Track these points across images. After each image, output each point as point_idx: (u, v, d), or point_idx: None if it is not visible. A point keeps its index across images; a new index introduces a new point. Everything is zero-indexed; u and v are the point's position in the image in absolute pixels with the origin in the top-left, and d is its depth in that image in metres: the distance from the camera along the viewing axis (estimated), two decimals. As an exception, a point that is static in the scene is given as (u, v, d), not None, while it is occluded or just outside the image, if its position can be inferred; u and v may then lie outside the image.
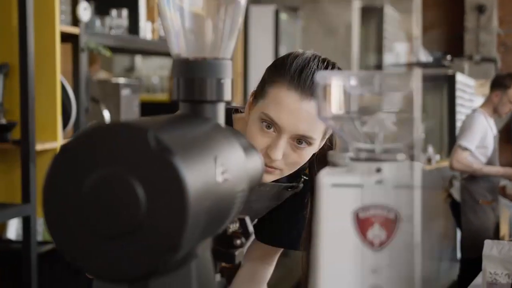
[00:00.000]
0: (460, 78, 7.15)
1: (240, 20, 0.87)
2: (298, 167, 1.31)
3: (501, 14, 9.81)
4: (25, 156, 2.38)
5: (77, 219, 0.65)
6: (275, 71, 1.29)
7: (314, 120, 1.25)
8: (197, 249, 0.73)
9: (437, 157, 6.30)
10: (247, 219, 0.94)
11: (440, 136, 7.40)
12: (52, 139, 2.56)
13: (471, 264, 4.44)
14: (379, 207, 0.70)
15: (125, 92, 3.08)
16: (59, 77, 2.56)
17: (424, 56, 5.69)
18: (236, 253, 0.88)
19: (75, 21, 2.73)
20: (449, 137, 7.37)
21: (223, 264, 1.00)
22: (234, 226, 0.93)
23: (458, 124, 7.40)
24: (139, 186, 0.63)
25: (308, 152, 1.29)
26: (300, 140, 1.27)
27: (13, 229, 2.77)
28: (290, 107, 1.24)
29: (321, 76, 0.74)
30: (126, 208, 0.63)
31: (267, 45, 5.04)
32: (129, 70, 5.88)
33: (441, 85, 7.02)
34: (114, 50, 3.26)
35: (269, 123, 1.26)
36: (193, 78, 0.83)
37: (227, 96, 0.85)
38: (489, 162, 4.46)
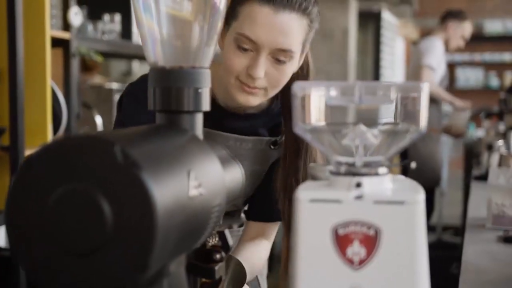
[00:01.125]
0: (385, 16, 7.22)
1: (219, 27, 0.84)
2: (281, 86, 1.28)
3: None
4: (14, 163, 2.35)
5: (41, 234, 0.62)
6: None
7: (292, 32, 1.22)
8: (169, 266, 0.70)
9: None
10: (227, 232, 0.91)
11: (365, 73, 7.46)
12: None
13: None
14: (359, 224, 0.68)
15: (118, 98, 3.04)
16: (49, 82, 2.53)
17: None
18: (216, 268, 0.85)
19: (67, 26, 2.70)
20: (373, 75, 7.46)
21: (203, 279, 0.97)
22: (213, 240, 0.90)
23: (382, 63, 7.52)
24: (106, 202, 0.60)
25: (289, 68, 1.26)
26: (279, 57, 1.23)
27: (2, 235, 2.73)
28: (265, 22, 1.21)
29: (299, 86, 0.71)
30: (91, 225, 0.60)
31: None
32: (126, 75, 5.86)
33: (367, 22, 7.10)
34: (107, 55, 3.23)
35: (246, 43, 1.23)
36: (170, 88, 0.80)
37: (205, 106, 0.82)
38: (440, 84, 4.56)
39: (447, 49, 4.60)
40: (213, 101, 1.36)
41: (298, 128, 0.72)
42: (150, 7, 0.81)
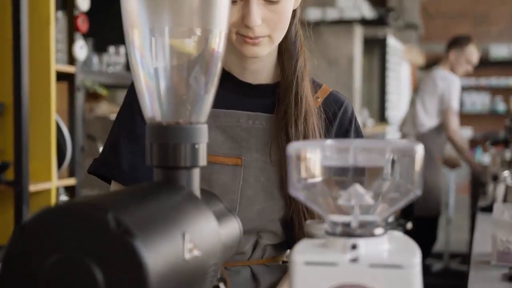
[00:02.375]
0: (391, 41, 7.25)
1: (216, 82, 0.85)
2: (284, 27, 1.20)
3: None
4: (19, 198, 2.35)
5: (35, 302, 0.62)
6: None
7: None
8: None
9: (371, 121, 6.31)
10: (222, 286, 0.90)
11: (371, 100, 7.45)
12: (47, 180, 2.53)
13: (421, 222, 4.45)
14: (355, 287, 0.67)
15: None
16: (54, 116, 2.54)
17: (368, 12, 5.68)
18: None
19: (72, 60, 2.72)
20: (379, 101, 7.45)
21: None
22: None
23: (389, 89, 7.52)
24: (98, 270, 0.60)
25: (285, 6, 1.18)
26: None
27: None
28: None
29: (293, 147, 0.71)
30: (85, 293, 0.60)
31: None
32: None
33: (372, 47, 7.13)
34: (112, 86, 3.25)
35: None
36: (167, 144, 0.80)
37: (202, 161, 0.82)
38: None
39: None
40: (228, 74, 1.30)
41: (293, 188, 0.71)
42: (148, 62, 0.82)
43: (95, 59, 3.00)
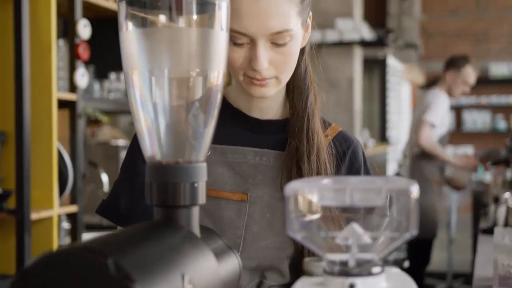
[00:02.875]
0: (390, 61, 7.28)
1: (213, 122, 0.86)
2: (291, 68, 1.19)
3: (424, 0, 10.06)
4: (20, 226, 2.36)
5: None
6: None
7: (281, 11, 1.12)
8: None
9: (372, 142, 6.32)
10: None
11: (371, 120, 7.46)
12: (48, 207, 2.54)
13: (416, 245, 4.43)
14: (353, 327, 0.68)
15: (124, 154, 3.07)
16: (55, 144, 2.56)
17: (367, 33, 5.70)
18: None
19: (73, 87, 2.74)
20: (380, 121, 7.46)
21: None
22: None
23: (389, 108, 7.54)
24: (99, 315, 0.61)
25: (293, 47, 1.17)
26: (278, 41, 1.14)
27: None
28: (249, 10, 1.11)
29: (291, 187, 0.72)
30: (85, 338, 0.60)
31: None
32: (133, 125, 5.90)
33: (372, 68, 7.15)
34: (113, 112, 3.27)
35: (238, 38, 1.14)
36: (167, 183, 0.81)
37: (202, 199, 0.83)
38: (440, 141, 4.55)
39: (452, 96, 4.64)
40: (236, 110, 1.30)
41: (290, 228, 0.72)
42: (147, 103, 0.83)
43: (96, 85, 3.02)
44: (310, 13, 1.24)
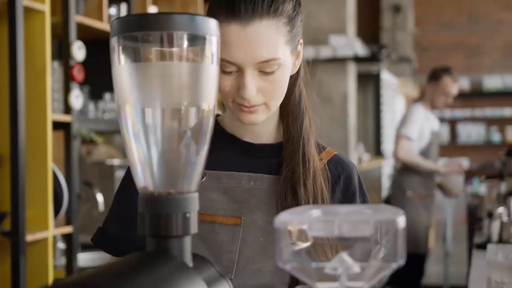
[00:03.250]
0: (384, 76, 7.32)
1: (205, 152, 0.87)
2: (280, 95, 1.20)
3: (417, 14, 10.13)
4: (16, 248, 2.36)
5: None
6: (210, 10, 1.19)
7: (269, 40, 1.14)
8: None
9: (367, 156, 6.33)
10: None
11: (366, 134, 7.48)
12: (44, 229, 2.55)
13: (408, 260, 4.36)
14: None
15: (120, 174, 3.08)
16: (50, 166, 2.57)
17: (360, 49, 5.73)
18: None
19: (68, 109, 2.75)
20: (375, 135, 7.48)
21: None
22: None
23: (383, 123, 7.56)
24: None
25: (282, 75, 1.18)
26: (266, 70, 1.15)
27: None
28: (237, 40, 1.13)
29: (280, 219, 0.74)
30: None
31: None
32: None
33: (366, 83, 7.19)
34: (108, 132, 3.29)
35: (227, 66, 1.15)
36: (159, 214, 0.83)
37: (194, 229, 0.85)
38: (425, 154, 4.53)
39: (435, 108, 4.64)
40: (231, 136, 1.31)
41: (279, 260, 0.74)
42: (139, 135, 0.84)
43: (91, 106, 3.04)
44: (301, 41, 1.25)
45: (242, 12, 1.13)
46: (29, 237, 2.46)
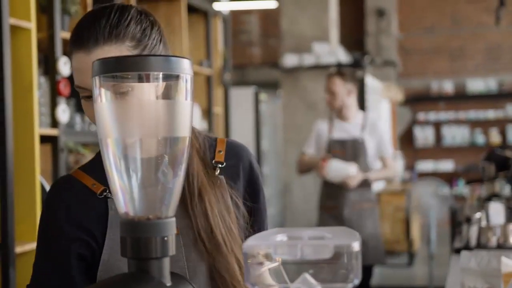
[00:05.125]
0: (369, 81, 7.41)
1: (181, 180, 0.95)
2: None
3: (400, 18, 10.26)
4: (5, 261, 2.42)
5: None
6: (68, 47, 1.24)
7: None
8: None
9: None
10: None
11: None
12: (32, 240, 2.61)
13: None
14: None
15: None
16: (38, 178, 2.63)
17: (343, 56, 5.76)
18: None
19: (55, 123, 2.82)
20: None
21: None
22: None
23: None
24: None
25: (140, 96, 1.19)
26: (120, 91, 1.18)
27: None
28: (84, 66, 1.19)
29: (247, 245, 0.81)
30: None
31: (248, 125, 5.17)
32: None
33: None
34: (95, 144, 3.35)
35: (83, 92, 1.22)
36: (139, 237, 0.90)
37: (172, 251, 0.92)
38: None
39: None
40: None
41: (247, 281, 0.81)
42: (120, 165, 0.92)
43: (78, 118, 3.10)
44: None
45: (85, 41, 1.19)
46: (18, 249, 2.52)
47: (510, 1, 5.96)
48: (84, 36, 1.20)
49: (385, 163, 4.22)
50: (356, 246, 0.79)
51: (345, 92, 4.09)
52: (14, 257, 2.47)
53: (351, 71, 4.32)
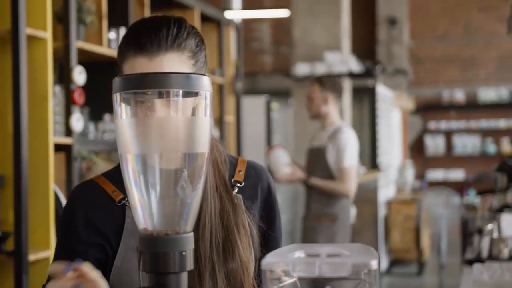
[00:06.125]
0: (380, 89, 7.41)
1: (199, 195, 0.96)
2: None
3: (412, 26, 10.24)
4: (18, 268, 2.44)
5: None
6: (120, 48, 1.27)
7: (173, 70, 1.21)
8: None
9: (363, 169, 6.37)
10: None
11: (362, 147, 7.56)
12: (45, 248, 2.63)
13: None
14: None
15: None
16: (52, 187, 2.65)
17: (355, 66, 5.75)
18: None
19: (69, 132, 2.84)
20: (371, 148, 7.56)
21: None
22: None
23: (379, 135, 7.62)
24: None
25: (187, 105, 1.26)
26: None
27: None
28: (144, 71, 1.21)
29: (266, 262, 0.82)
30: None
31: (259, 133, 5.18)
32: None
33: (362, 97, 7.25)
34: (108, 151, 3.37)
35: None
36: (157, 252, 0.92)
37: (190, 265, 0.93)
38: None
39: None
40: None
41: (268, 298, 0.82)
42: (140, 181, 0.93)
43: (92, 127, 3.12)
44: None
45: (148, 47, 1.21)
46: (32, 257, 2.54)
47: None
48: (147, 42, 1.22)
49: (339, 175, 3.93)
50: (374, 264, 0.80)
51: (321, 99, 4.03)
52: (28, 264, 2.49)
53: (335, 81, 4.18)
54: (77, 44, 2.90)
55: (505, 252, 2.91)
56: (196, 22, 4.16)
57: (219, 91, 4.65)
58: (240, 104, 4.86)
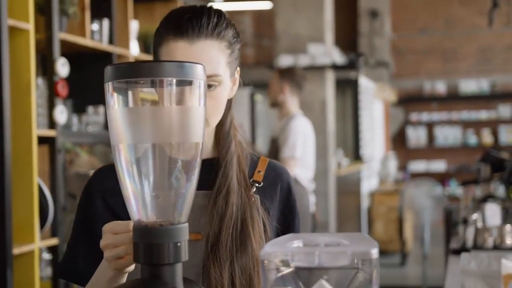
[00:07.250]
0: (362, 81, 7.45)
1: (193, 186, 0.94)
2: (219, 112, 1.28)
3: (394, 19, 10.30)
4: (3, 262, 2.41)
5: None
6: (158, 32, 1.28)
7: (211, 57, 1.24)
8: None
9: (346, 161, 6.39)
10: None
11: (345, 139, 7.62)
12: (30, 241, 2.60)
13: None
14: None
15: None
16: (36, 180, 2.62)
17: (338, 58, 5.78)
18: None
19: (52, 124, 2.81)
20: (354, 140, 7.63)
21: None
22: None
23: (362, 127, 7.68)
24: None
25: (222, 93, 1.26)
26: (208, 83, 1.21)
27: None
28: (183, 55, 1.23)
29: (265, 251, 0.81)
30: None
31: (244, 125, 5.15)
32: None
33: (345, 89, 7.31)
34: (92, 144, 3.34)
35: None
36: (152, 244, 0.90)
37: (184, 256, 0.92)
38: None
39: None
40: None
41: (265, 286, 0.81)
42: (133, 172, 0.92)
43: (75, 119, 3.09)
44: (238, 68, 1.34)
45: (190, 31, 1.23)
46: (16, 250, 2.51)
47: (503, 2, 5.97)
48: (189, 26, 1.23)
49: None
50: (374, 253, 0.79)
51: (278, 88, 4.09)
52: (12, 258, 2.46)
53: (295, 73, 4.21)
54: (60, 35, 2.86)
55: (490, 242, 2.93)
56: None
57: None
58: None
